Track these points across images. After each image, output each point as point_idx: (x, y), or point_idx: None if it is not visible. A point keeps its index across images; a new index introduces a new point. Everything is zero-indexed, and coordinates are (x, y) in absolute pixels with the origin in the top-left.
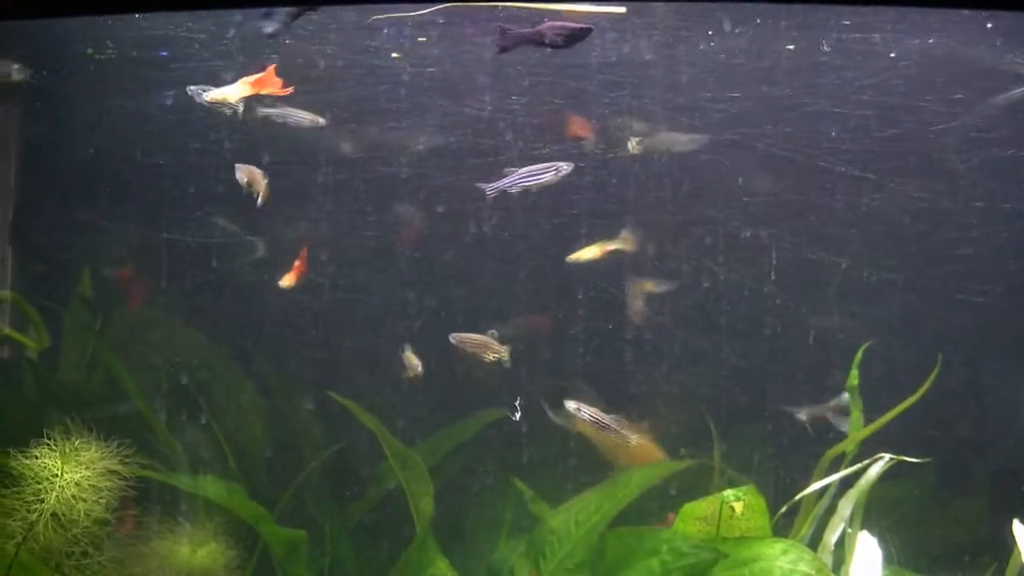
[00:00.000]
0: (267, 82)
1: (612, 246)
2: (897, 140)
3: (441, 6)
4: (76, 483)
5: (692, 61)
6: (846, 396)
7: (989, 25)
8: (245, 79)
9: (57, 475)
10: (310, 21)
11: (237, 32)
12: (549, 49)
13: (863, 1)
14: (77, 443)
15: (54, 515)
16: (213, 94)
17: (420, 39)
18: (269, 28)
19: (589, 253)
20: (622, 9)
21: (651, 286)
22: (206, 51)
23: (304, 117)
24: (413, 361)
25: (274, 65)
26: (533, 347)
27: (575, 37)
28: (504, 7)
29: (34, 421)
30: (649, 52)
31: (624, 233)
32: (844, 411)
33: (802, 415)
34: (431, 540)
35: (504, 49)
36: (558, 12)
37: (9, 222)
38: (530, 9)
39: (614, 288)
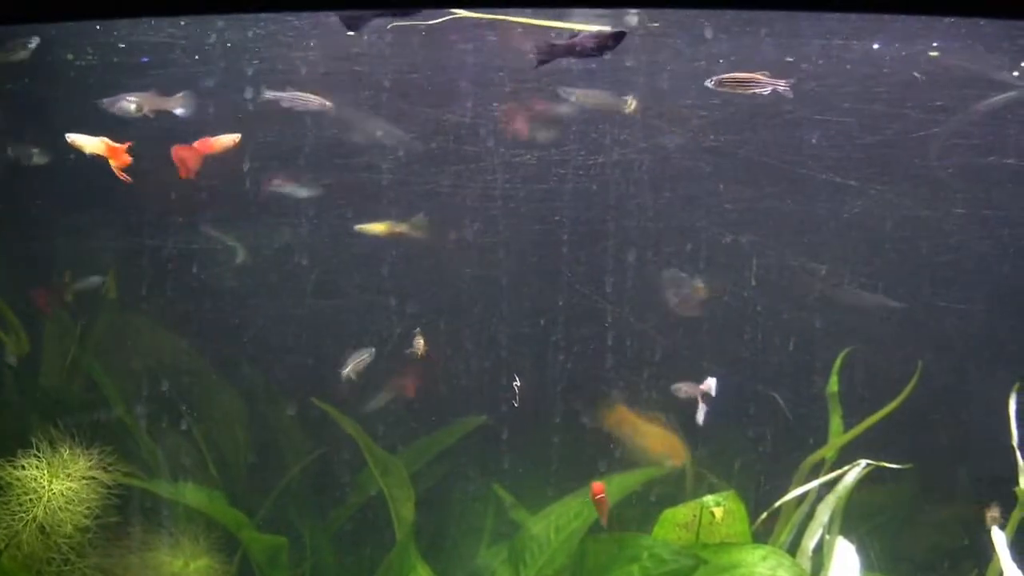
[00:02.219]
0: (115, 154)
1: (400, 228)
2: (879, 147)
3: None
4: (61, 493)
5: (674, 68)
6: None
7: (971, 32)
8: (105, 139)
9: (41, 486)
10: (291, 27)
11: (218, 38)
12: (583, 57)
13: (858, 8)
14: (63, 452)
15: (37, 523)
16: (74, 137)
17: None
18: (354, 31)
19: (378, 228)
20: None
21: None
22: (187, 57)
23: (312, 100)
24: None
25: (129, 144)
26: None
27: (608, 43)
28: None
29: (14, 427)
30: (631, 59)
31: (418, 218)
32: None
33: (680, 393)
34: (412, 546)
35: (543, 62)
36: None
37: None
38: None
39: (596, 292)
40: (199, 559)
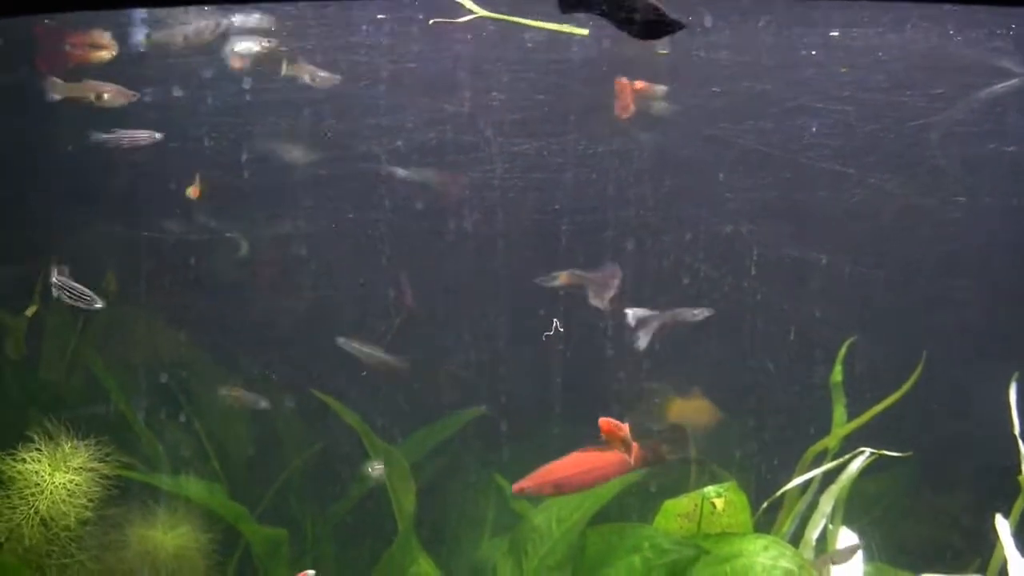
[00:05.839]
0: None
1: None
2: (879, 135)
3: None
4: (63, 486)
5: (672, 56)
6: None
7: (972, 19)
8: None
9: (43, 479)
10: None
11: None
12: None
13: None
14: (65, 446)
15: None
16: None
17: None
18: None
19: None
20: (584, 32)
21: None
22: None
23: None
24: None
25: None
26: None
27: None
28: None
29: (14, 421)
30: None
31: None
32: None
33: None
34: (414, 538)
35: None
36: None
37: None
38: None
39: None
40: (178, 527)
